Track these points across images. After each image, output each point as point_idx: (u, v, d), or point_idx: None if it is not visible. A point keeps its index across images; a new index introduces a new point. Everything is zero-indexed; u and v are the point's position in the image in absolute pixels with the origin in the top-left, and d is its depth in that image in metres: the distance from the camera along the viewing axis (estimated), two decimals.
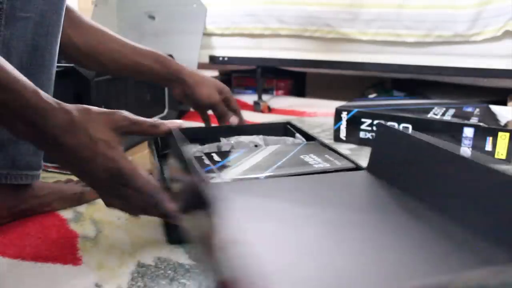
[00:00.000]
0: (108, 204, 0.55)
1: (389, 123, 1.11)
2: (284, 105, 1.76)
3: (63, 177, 0.87)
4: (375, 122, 1.15)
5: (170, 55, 1.33)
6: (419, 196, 0.51)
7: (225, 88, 0.86)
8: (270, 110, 1.66)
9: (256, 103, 1.68)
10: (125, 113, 0.55)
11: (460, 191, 0.45)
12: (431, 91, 1.69)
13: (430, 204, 0.49)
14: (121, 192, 0.53)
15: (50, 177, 0.88)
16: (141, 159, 0.99)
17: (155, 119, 0.58)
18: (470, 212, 0.43)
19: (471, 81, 1.62)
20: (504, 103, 1.44)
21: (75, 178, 0.85)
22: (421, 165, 0.53)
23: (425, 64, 1.49)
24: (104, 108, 0.55)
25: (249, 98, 1.86)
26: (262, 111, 1.64)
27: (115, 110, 0.55)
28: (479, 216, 0.42)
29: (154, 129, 0.57)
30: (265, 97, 1.86)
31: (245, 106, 1.74)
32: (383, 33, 1.49)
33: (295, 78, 2.09)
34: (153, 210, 0.55)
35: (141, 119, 0.56)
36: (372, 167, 0.62)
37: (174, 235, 0.62)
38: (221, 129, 0.84)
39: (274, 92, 2.08)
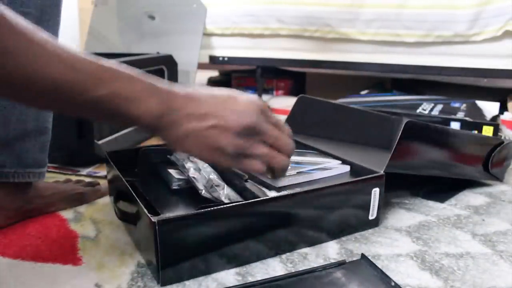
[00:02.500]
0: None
1: None
2: (284, 105, 1.75)
3: (62, 177, 0.87)
4: None
5: (170, 55, 1.33)
6: (332, 136, 0.89)
7: None
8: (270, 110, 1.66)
9: None
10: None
11: (358, 127, 0.85)
12: (431, 91, 1.69)
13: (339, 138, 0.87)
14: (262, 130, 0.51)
15: (50, 177, 0.88)
16: None
17: None
18: (365, 137, 0.84)
19: (471, 81, 1.62)
20: (504, 103, 1.44)
21: (73, 178, 0.85)
22: (334, 118, 0.90)
23: (425, 64, 1.49)
24: None
25: None
26: None
27: None
28: (371, 138, 0.83)
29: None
30: (265, 97, 1.86)
31: None
32: (383, 33, 1.49)
33: (295, 78, 2.08)
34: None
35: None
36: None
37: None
38: None
39: (274, 92, 2.08)
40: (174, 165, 0.74)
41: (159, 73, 1.26)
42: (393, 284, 0.51)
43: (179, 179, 0.69)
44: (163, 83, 0.48)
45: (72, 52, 0.43)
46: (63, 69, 0.41)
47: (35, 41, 0.40)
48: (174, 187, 0.68)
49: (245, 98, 0.51)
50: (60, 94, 0.42)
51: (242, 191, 0.66)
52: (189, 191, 0.67)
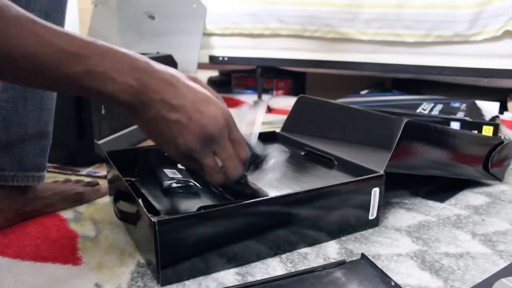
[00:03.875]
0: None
1: None
2: (284, 105, 1.76)
3: (62, 177, 0.87)
4: None
5: (170, 55, 1.33)
6: (332, 136, 0.89)
7: None
8: (270, 110, 1.66)
9: (256, 103, 1.68)
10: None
11: (358, 127, 0.85)
12: (431, 91, 1.69)
13: (339, 138, 0.87)
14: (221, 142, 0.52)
15: (50, 177, 0.88)
16: None
17: None
18: (364, 137, 0.83)
19: (471, 81, 1.63)
20: (504, 103, 1.44)
21: (73, 178, 0.85)
22: (333, 118, 0.90)
23: (425, 64, 1.49)
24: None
25: (249, 98, 1.86)
26: None
27: None
28: (370, 138, 0.81)
29: None
30: (265, 97, 1.86)
31: None
32: (383, 33, 1.49)
33: (295, 78, 2.09)
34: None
35: None
36: (287, 128, 0.96)
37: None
38: None
39: (274, 92, 2.08)
40: (174, 165, 0.75)
41: None
42: (393, 284, 0.51)
43: (170, 178, 0.69)
44: (146, 61, 0.48)
45: (50, 27, 0.42)
46: (37, 43, 0.41)
47: (9, 16, 0.40)
48: (165, 186, 0.68)
49: (218, 106, 0.51)
50: (35, 68, 0.42)
51: (242, 191, 0.66)
52: (189, 191, 0.67)
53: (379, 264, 0.57)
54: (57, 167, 0.96)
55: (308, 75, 2.14)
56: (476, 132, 1.09)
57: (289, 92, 2.07)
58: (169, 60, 1.30)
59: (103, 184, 0.83)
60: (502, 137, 1.09)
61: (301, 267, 0.57)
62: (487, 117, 1.18)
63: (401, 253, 0.61)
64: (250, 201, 0.57)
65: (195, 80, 0.54)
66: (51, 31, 0.42)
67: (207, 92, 0.52)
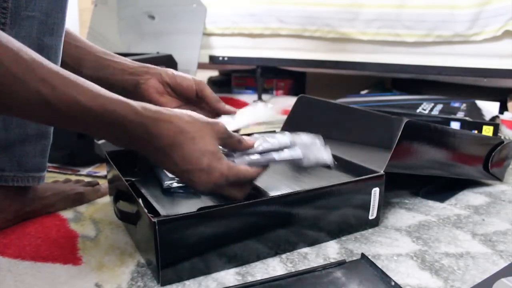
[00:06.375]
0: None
1: None
2: (284, 105, 1.75)
3: (62, 177, 0.87)
4: None
5: (170, 55, 1.33)
6: (332, 136, 0.81)
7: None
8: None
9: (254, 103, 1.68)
10: (222, 123, 0.56)
11: (358, 127, 0.84)
12: (431, 91, 1.69)
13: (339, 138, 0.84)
14: (223, 190, 0.56)
15: (50, 177, 0.88)
16: None
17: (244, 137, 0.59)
18: (364, 137, 0.82)
19: (471, 81, 1.63)
20: (504, 103, 1.44)
21: (73, 178, 0.85)
22: (333, 118, 0.90)
23: (425, 64, 1.49)
24: None
25: (249, 98, 1.85)
26: None
27: (216, 120, 0.56)
28: (370, 138, 0.80)
29: (240, 146, 0.58)
30: (265, 97, 1.86)
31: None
32: (383, 33, 1.49)
33: (295, 78, 2.08)
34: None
35: (233, 134, 0.57)
36: (287, 128, 0.94)
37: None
38: None
39: (274, 92, 2.08)
40: None
41: None
42: (393, 284, 0.51)
43: (170, 178, 0.69)
44: (183, 139, 0.51)
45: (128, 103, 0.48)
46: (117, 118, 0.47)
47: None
48: (165, 186, 0.68)
49: (218, 175, 0.53)
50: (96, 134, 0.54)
51: None
52: (189, 191, 0.67)
53: (379, 264, 0.57)
54: (57, 167, 0.96)
55: (308, 75, 2.14)
56: (476, 132, 1.09)
57: (289, 92, 2.07)
58: (169, 60, 1.31)
59: (103, 184, 0.83)
60: (502, 137, 1.09)
61: (301, 267, 0.57)
62: (487, 117, 1.18)
63: (401, 253, 0.61)
64: (250, 201, 0.57)
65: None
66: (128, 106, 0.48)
67: (210, 157, 0.53)
